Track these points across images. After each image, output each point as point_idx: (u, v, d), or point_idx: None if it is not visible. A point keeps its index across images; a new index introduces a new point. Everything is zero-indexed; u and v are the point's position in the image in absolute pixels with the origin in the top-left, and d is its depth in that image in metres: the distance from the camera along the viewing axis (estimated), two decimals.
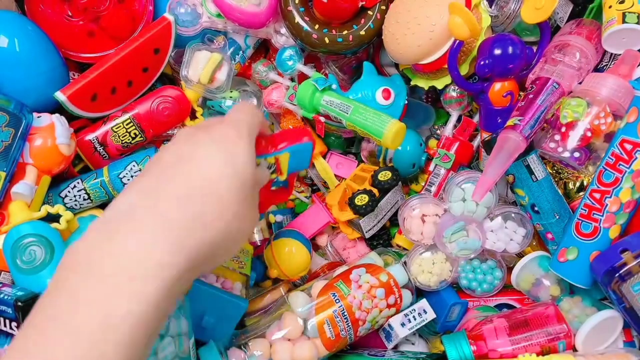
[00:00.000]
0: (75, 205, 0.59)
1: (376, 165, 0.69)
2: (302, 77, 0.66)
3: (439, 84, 0.63)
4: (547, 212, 0.59)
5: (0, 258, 0.52)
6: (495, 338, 0.55)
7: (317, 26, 0.61)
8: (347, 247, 0.69)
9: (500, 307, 0.64)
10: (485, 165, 0.53)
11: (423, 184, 0.67)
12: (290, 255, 0.62)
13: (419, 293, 0.62)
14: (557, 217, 0.58)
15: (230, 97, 0.66)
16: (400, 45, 0.58)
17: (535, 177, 0.58)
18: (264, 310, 0.60)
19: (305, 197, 0.72)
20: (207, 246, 0.33)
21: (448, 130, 0.67)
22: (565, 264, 0.54)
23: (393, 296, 0.58)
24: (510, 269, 0.63)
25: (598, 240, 0.52)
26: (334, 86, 0.62)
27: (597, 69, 0.58)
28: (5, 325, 0.47)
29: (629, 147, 0.50)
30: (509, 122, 0.53)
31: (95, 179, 0.59)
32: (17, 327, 0.46)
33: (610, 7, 0.54)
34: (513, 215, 0.60)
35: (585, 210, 0.53)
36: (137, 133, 0.61)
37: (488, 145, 0.59)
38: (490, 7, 0.60)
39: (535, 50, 0.59)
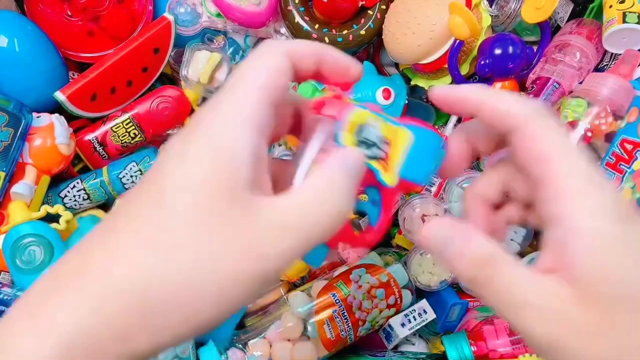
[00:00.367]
0: (75, 205, 0.59)
1: None
2: None
3: (440, 83, 0.63)
4: None
5: None
6: (496, 338, 0.55)
7: (317, 26, 0.61)
8: (347, 247, 0.69)
9: None
10: (486, 165, 0.53)
11: None
12: None
13: (419, 293, 0.62)
14: None
15: None
16: (400, 45, 0.58)
17: None
18: (264, 310, 0.60)
19: None
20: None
21: (448, 130, 0.67)
22: None
23: (393, 296, 0.58)
24: None
25: None
26: None
27: (598, 69, 0.58)
28: None
29: (629, 147, 0.50)
30: None
31: (94, 179, 0.59)
32: None
33: (610, 6, 0.54)
34: None
35: None
36: (137, 133, 0.61)
37: None
38: (491, 6, 0.60)
39: (535, 50, 0.59)
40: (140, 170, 0.59)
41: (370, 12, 0.61)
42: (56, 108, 0.58)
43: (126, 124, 0.61)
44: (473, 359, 0.55)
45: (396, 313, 0.58)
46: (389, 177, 0.25)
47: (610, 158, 0.51)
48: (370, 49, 0.71)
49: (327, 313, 0.55)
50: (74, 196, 0.59)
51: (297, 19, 0.61)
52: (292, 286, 0.64)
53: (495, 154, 0.29)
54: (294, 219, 0.22)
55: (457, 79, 0.58)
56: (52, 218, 0.54)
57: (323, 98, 0.26)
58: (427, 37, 0.56)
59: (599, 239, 0.22)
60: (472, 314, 0.62)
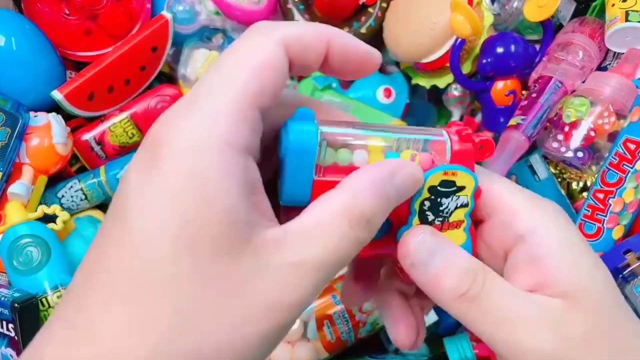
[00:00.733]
0: (72, 205, 0.59)
1: None
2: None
3: (441, 82, 0.62)
4: None
5: None
6: None
7: None
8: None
9: None
10: (488, 165, 0.52)
11: None
12: None
13: None
14: None
15: None
16: (401, 43, 0.58)
17: (538, 177, 0.58)
18: None
19: None
20: None
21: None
22: None
23: None
24: None
25: (601, 241, 0.52)
26: (334, 85, 0.62)
27: (600, 68, 0.58)
28: (2, 327, 0.46)
29: (632, 146, 0.50)
30: (512, 122, 0.53)
31: (92, 179, 0.59)
32: (14, 328, 0.46)
33: (613, 5, 0.54)
34: None
35: (589, 211, 0.52)
36: (135, 132, 0.61)
37: None
38: (493, 5, 0.60)
39: (537, 49, 0.58)
40: None
41: (371, 10, 0.61)
42: (53, 107, 0.58)
43: (124, 124, 0.60)
44: None
45: None
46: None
47: (613, 158, 0.51)
48: None
49: (327, 315, 0.55)
50: (72, 196, 0.58)
51: (297, 17, 0.60)
52: None
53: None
54: (313, 250, 0.18)
55: (459, 78, 0.58)
56: (49, 218, 0.54)
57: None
58: (428, 36, 0.56)
59: (568, 249, 0.23)
60: None
